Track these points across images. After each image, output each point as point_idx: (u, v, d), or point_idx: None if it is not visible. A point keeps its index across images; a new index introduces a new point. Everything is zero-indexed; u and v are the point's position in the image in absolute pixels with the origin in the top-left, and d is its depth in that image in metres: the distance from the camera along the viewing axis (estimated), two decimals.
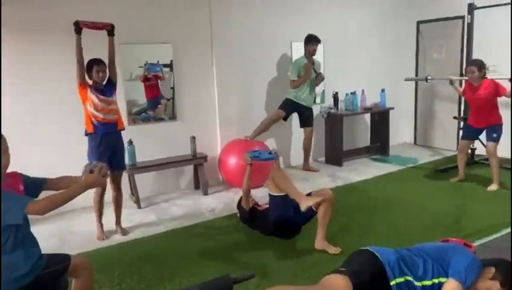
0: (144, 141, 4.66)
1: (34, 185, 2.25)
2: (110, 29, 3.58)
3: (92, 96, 3.51)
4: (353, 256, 2.13)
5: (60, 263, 2.22)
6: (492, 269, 2.05)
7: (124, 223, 3.94)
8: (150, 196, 4.79)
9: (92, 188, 2.19)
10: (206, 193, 4.83)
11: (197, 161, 4.86)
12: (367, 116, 6.50)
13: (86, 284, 2.28)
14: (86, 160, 3.46)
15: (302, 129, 5.65)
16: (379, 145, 6.37)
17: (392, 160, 6.03)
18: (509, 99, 4.55)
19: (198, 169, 4.89)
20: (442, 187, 4.81)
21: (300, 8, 5.69)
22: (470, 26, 5.36)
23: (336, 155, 5.93)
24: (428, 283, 1.99)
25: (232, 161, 4.80)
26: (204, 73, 5.09)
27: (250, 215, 3.61)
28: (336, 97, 5.95)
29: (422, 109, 6.85)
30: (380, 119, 6.32)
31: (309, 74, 5.33)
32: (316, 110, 5.77)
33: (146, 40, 4.69)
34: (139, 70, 4.78)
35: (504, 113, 4.69)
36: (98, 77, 3.53)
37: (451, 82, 5.12)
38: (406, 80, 5.98)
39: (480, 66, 4.50)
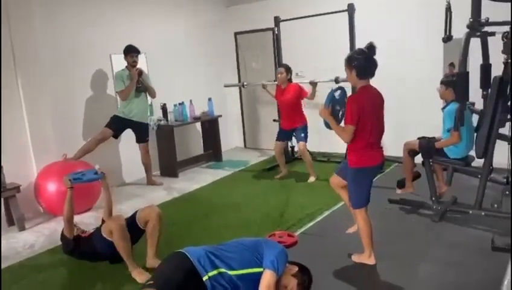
0: None
1: None
2: None
3: None
4: (162, 263, 2.13)
5: None
6: (296, 268, 2.30)
7: None
8: None
9: None
10: (22, 228, 4.20)
11: (7, 193, 4.19)
12: (198, 125, 6.63)
13: None
14: None
15: (134, 143, 5.41)
16: (212, 152, 6.56)
17: (225, 165, 6.28)
18: (312, 101, 5.19)
19: (10, 202, 4.23)
20: (270, 185, 5.21)
21: (119, 18, 5.47)
22: (278, 36, 5.97)
23: (170, 166, 5.88)
24: (243, 271, 2.11)
25: (52, 186, 4.29)
26: (8, 92, 4.42)
27: (74, 245, 3.27)
28: (164, 108, 5.90)
29: (248, 114, 7.33)
30: (210, 127, 6.52)
31: (135, 80, 5.09)
32: (150, 117, 5.64)
33: None
34: None
35: (308, 113, 5.31)
36: None
37: (264, 86, 5.73)
38: (226, 86, 6.35)
39: (287, 68, 5.22)
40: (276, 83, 5.46)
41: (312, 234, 3.65)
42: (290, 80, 5.24)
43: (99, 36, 5.26)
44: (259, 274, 2.12)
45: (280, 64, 5.60)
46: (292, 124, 5.27)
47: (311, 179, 5.19)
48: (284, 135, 5.44)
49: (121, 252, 3.06)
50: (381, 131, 2.88)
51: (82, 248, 3.28)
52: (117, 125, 5.14)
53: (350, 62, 2.75)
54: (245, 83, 6.12)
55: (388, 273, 2.92)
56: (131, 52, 5.10)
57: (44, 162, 4.57)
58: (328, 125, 2.90)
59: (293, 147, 6.21)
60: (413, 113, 5.56)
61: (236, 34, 7.10)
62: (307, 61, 6.22)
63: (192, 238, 3.64)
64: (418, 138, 3.97)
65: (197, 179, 5.66)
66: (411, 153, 3.93)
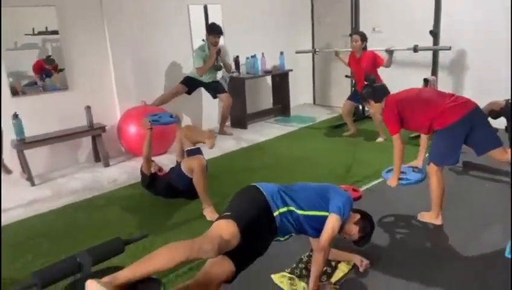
0: (33, 114, 4.31)
1: None
2: None
3: None
4: (237, 195, 2.24)
5: None
6: (358, 215, 2.33)
7: (16, 202, 3.68)
8: (45, 172, 4.48)
9: None
10: (107, 165, 4.65)
11: (94, 131, 4.63)
12: (268, 79, 6.67)
13: None
14: None
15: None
16: (280, 106, 6.62)
17: (293, 120, 6.32)
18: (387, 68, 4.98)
19: (97, 140, 4.67)
20: (337, 142, 5.20)
21: None
22: None
23: (240, 118, 6.05)
24: (310, 213, 2.19)
25: (133, 129, 4.65)
26: (97, 39, 4.77)
27: (151, 180, 3.57)
28: (237, 61, 6.00)
29: (320, 69, 7.21)
30: (281, 81, 6.54)
31: (213, 59, 5.25)
32: (218, 75, 5.76)
33: (26, 2, 4.25)
34: (26, 39, 4.37)
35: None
36: None
37: (337, 54, 5.54)
38: (297, 52, 6.22)
39: (363, 36, 5.00)
40: (350, 50, 5.25)
41: (377, 191, 3.64)
42: (364, 48, 5.02)
43: None
44: (324, 218, 2.19)
45: (355, 32, 5.34)
46: None
47: (380, 139, 5.08)
48: (356, 97, 5.27)
49: (199, 189, 3.27)
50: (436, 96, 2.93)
51: (158, 184, 3.58)
52: (190, 84, 5.38)
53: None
54: (317, 50, 6.03)
55: (454, 235, 2.86)
56: (214, 32, 5.20)
57: (126, 106, 4.93)
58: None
59: (363, 105, 6.06)
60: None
61: None
62: (385, 16, 5.91)
63: None
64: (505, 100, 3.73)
65: (265, 132, 5.78)
66: (492, 114, 3.69)
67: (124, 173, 4.44)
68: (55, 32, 4.52)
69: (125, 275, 1.57)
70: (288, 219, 2.15)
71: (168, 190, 3.52)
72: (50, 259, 2.73)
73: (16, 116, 4.06)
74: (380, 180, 3.85)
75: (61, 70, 4.61)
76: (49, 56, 4.55)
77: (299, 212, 2.16)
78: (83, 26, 4.66)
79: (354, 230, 2.29)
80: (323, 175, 4.02)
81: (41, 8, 4.41)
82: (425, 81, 4.76)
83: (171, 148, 4.90)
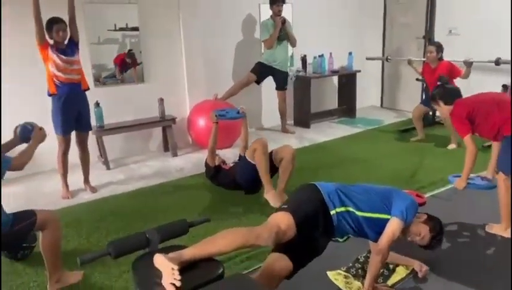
0: (111, 104, 4.64)
1: None
2: None
3: (53, 57, 3.48)
4: (296, 191, 2.28)
5: (26, 220, 2.29)
6: (425, 215, 2.27)
7: (93, 183, 4.01)
8: (119, 158, 4.83)
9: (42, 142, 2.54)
10: (175, 155, 4.90)
11: (165, 122, 4.91)
12: (335, 79, 6.62)
13: (53, 235, 2.37)
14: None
15: (274, 92, 5.70)
16: (346, 107, 6.53)
17: (358, 122, 6.22)
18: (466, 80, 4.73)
19: (167, 131, 4.94)
20: (403, 146, 5.04)
21: None
22: None
23: (304, 117, 6.07)
24: (370, 215, 2.15)
25: (201, 122, 4.86)
26: (172, 34, 5.06)
27: (215, 172, 3.73)
28: (304, 60, 6.02)
29: (389, 72, 7.01)
30: (347, 82, 6.46)
31: (278, 28, 5.30)
32: (289, 61, 5.81)
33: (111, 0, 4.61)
34: (107, 34, 4.72)
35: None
36: (58, 37, 3.49)
37: (410, 62, 5.33)
38: (368, 58, 6.09)
39: (438, 47, 4.76)
40: (423, 60, 5.06)
41: (443, 199, 3.49)
42: (440, 59, 4.78)
43: None
44: (386, 221, 2.14)
45: (431, 43, 5.13)
46: None
47: (452, 145, 4.83)
48: (429, 102, 5.06)
49: (261, 170, 3.34)
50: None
51: (221, 176, 3.73)
52: (261, 71, 5.46)
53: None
54: (389, 57, 5.83)
55: None
56: (277, 1, 5.26)
57: (196, 99, 5.17)
58: None
59: (434, 111, 5.80)
60: None
61: None
62: (464, 18, 5.61)
63: None
64: None
65: (328, 132, 5.75)
66: None
67: (190, 163, 4.66)
68: (135, 29, 4.85)
69: (190, 253, 1.69)
70: (347, 220, 2.14)
71: (230, 183, 3.65)
72: (121, 235, 2.97)
73: (97, 104, 4.41)
74: (446, 187, 3.69)
75: (139, 64, 4.94)
76: (130, 50, 4.87)
77: (358, 213, 2.14)
78: (160, 22, 4.95)
79: (423, 230, 2.21)
80: (386, 178, 3.93)
81: (125, 5, 4.75)
82: (504, 87, 4.48)
83: (236, 143, 5.05)
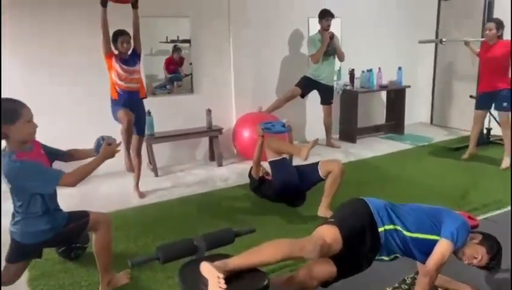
0: (161, 113, 4.81)
1: (51, 155, 2.39)
2: (134, 2, 3.73)
3: (116, 66, 3.71)
4: (343, 205, 2.24)
5: (80, 219, 2.42)
6: (480, 236, 2.16)
7: (142, 189, 4.16)
8: (167, 165, 4.99)
9: (109, 159, 2.40)
10: (220, 165, 4.99)
11: (212, 133, 5.02)
12: (383, 94, 6.50)
13: (105, 237, 2.48)
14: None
15: (319, 105, 5.68)
16: (394, 123, 6.38)
17: (406, 138, 6.05)
18: None
19: (213, 141, 5.05)
20: (454, 165, 4.84)
21: None
22: (491, 4, 5.26)
23: (350, 132, 5.99)
24: (419, 235, 2.08)
25: (246, 133, 4.93)
26: (222, 47, 5.19)
27: (259, 183, 3.75)
28: (352, 74, 5.97)
29: (440, 88, 6.79)
30: (396, 97, 6.32)
31: (326, 43, 5.28)
32: (334, 76, 5.79)
33: (165, 13, 4.80)
34: (159, 46, 4.92)
35: None
36: (122, 48, 3.73)
37: (467, 43, 4.93)
38: (420, 42, 5.71)
39: (499, 24, 4.46)
40: (481, 39, 4.73)
41: (498, 222, 3.31)
42: (500, 37, 4.50)
43: (297, 1, 5.60)
44: (435, 242, 2.07)
45: (490, 19, 4.81)
46: (494, 85, 4.54)
47: (506, 162, 4.56)
48: (483, 101, 4.74)
49: (332, 188, 3.41)
50: None
51: (265, 187, 3.75)
52: (306, 85, 5.47)
53: None
54: (443, 39, 5.26)
55: None
56: (326, 16, 5.27)
57: (242, 111, 5.26)
58: None
59: (489, 130, 5.54)
60: None
61: (440, 0, 6.53)
62: None
63: None
64: None
65: (375, 148, 5.64)
66: None
67: (234, 173, 4.72)
68: (186, 41, 5.02)
69: (235, 262, 1.71)
70: (394, 238, 2.08)
71: (274, 194, 3.66)
72: (167, 241, 3.05)
73: (149, 113, 4.58)
74: (502, 210, 3.51)
75: (187, 75, 5.10)
76: (176, 46, 4.97)
77: (406, 233, 2.08)
78: (211, 35, 5.11)
79: (480, 252, 2.10)
80: (435, 198, 3.78)
81: (178, 19, 4.94)
82: None
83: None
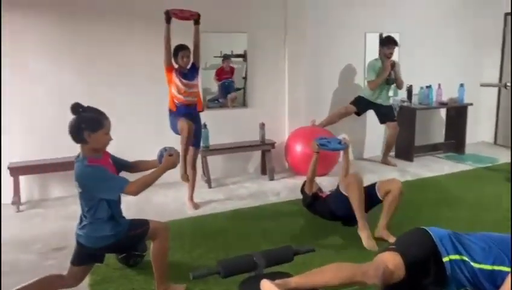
0: (216, 126, 4.88)
1: (118, 165, 2.52)
2: (197, 18, 3.86)
3: (176, 80, 3.83)
4: (404, 234, 2.14)
5: (140, 227, 2.49)
6: None
7: (196, 200, 4.23)
8: (220, 177, 5.05)
9: (171, 169, 2.48)
10: (272, 178, 4.99)
11: (265, 147, 5.03)
12: (443, 111, 6.24)
13: (163, 246, 2.54)
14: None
15: (377, 121, 5.54)
16: (454, 142, 6.09)
17: (468, 158, 5.75)
18: None
19: (266, 155, 5.06)
20: None
21: None
22: None
23: (406, 150, 5.79)
24: (488, 267, 1.93)
25: (298, 148, 4.90)
26: (277, 62, 5.22)
27: (312, 200, 3.69)
28: (409, 90, 5.79)
29: (505, 107, 6.41)
30: (457, 115, 6.04)
31: (387, 72, 5.14)
32: (390, 99, 5.64)
33: (222, 29, 4.91)
34: (214, 60, 5.03)
35: None
36: (182, 62, 3.85)
37: None
38: (482, 85, 5.55)
39: None
40: None
41: None
42: None
43: (358, 14, 5.52)
44: (505, 274, 1.93)
45: None
46: None
47: None
48: None
49: (354, 205, 3.22)
50: None
51: (318, 204, 3.68)
52: (360, 103, 5.36)
53: None
54: (508, 84, 4.92)
55: None
56: (390, 44, 5.12)
57: (294, 125, 5.24)
58: None
59: None
60: None
61: (507, 14, 6.22)
62: None
63: (421, 223, 3.56)
64: None
65: (433, 167, 5.40)
66: None
67: (286, 188, 4.69)
68: (240, 56, 5.11)
69: (296, 281, 1.68)
70: (462, 270, 1.95)
71: (326, 212, 3.58)
72: (220, 254, 3.08)
73: (204, 126, 4.68)
74: None
75: (239, 89, 5.16)
76: (226, 54, 5.03)
77: (474, 265, 1.94)
78: (266, 50, 5.16)
79: None
80: (499, 224, 3.53)
81: (235, 34, 5.04)
82: None
83: (333, 171, 4.99)
